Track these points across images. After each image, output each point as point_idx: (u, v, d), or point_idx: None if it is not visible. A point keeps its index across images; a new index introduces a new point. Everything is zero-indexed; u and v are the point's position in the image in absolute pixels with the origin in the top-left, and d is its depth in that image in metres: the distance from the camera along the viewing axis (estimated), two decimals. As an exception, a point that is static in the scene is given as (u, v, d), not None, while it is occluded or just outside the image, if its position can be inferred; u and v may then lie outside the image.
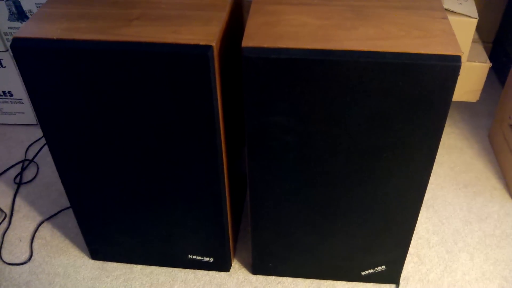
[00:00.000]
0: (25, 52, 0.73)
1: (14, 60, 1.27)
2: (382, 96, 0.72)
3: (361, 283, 1.01)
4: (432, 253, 1.08)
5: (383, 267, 0.97)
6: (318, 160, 0.81)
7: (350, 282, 1.01)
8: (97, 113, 0.79)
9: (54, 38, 0.73)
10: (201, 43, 0.71)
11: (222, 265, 1.02)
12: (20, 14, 1.20)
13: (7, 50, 1.27)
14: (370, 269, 0.98)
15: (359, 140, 0.77)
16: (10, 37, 1.22)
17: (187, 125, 0.78)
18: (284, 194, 0.87)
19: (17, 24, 1.22)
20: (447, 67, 0.69)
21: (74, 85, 0.76)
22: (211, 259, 1.00)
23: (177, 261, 1.03)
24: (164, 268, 1.04)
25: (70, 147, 0.85)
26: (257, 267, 1.02)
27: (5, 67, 1.30)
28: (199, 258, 1.00)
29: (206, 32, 0.73)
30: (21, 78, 1.32)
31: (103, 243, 1.02)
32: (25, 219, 1.17)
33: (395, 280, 1.00)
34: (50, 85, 0.76)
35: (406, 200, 0.85)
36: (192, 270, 1.04)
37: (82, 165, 0.87)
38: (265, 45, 0.70)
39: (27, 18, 1.20)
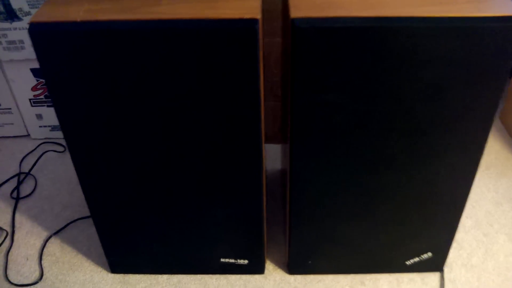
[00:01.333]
0: (45, 37, 0.65)
1: (0, 69, 1.18)
2: (440, 65, 0.67)
3: (405, 274, 0.96)
4: (469, 237, 1.04)
5: (429, 254, 0.92)
6: (368, 142, 0.75)
7: (394, 274, 0.96)
8: (124, 102, 0.71)
9: (78, 20, 0.65)
10: (246, 16, 0.65)
11: (257, 267, 0.95)
12: (9, 13, 1.10)
13: (-5, 55, 1.17)
14: (415, 257, 0.93)
15: (414, 117, 0.72)
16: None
17: (227, 110, 0.71)
18: (328, 183, 0.80)
19: (6, 24, 1.11)
20: (507, 28, 0.65)
21: (102, 73, 0.68)
22: (246, 261, 0.93)
23: (207, 267, 0.95)
24: (193, 275, 0.96)
25: (92, 145, 0.76)
26: (295, 266, 0.95)
27: (-8, 73, 1.20)
28: (233, 261, 0.93)
29: (246, 6, 0.67)
30: (9, 85, 1.22)
31: (124, 254, 0.93)
32: (29, 235, 1.06)
33: (440, 267, 0.96)
34: (74, 75, 0.68)
35: (458, 178, 0.80)
36: (224, 275, 0.96)
37: (104, 164, 0.79)
38: (316, 15, 0.65)
39: (18, 18, 1.10)
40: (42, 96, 1.23)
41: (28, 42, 1.12)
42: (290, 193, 0.83)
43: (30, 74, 1.18)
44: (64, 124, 0.74)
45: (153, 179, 0.80)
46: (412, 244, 0.91)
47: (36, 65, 1.16)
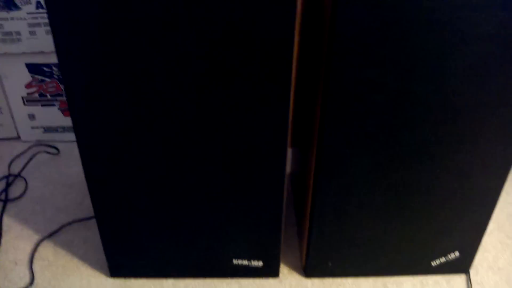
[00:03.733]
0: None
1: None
2: (487, 42, 0.62)
3: (430, 276, 0.89)
4: (493, 239, 0.98)
5: (457, 253, 0.86)
6: (403, 127, 0.70)
7: (418, 276, 0.89)
8: (138, 76, 0.65)
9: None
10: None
11: (271, 270, 0.87)
12: (7, 1, 1.04)
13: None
14: (441, 257, 0.87)
15: (454, 99, 0.67)
16: (-5, 30, 1.05)
17: (254, 91, 0.66)
18: (357, 175, 0.75)
19: (2, 14, 1.05)
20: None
21: (120, 42, 0.62)
22: (260, 263, 0.85)
23: (218, 269, 0.86)
24: (201, 280, 0.88)
25: (101, 131, 0.69)
26: (312, 269, 0.88)
27: (-17, 68, 1.12)
28: (246, 263, 0.85)
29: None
30: (1, 82, 1.15)
31: (127, 255, 0.84)
32: (19, 239, 0.96)
33: (466, 269, 0.89)
34: (88, 44, 0.62)
35: (492, 172, 0.75)
36: (236, 279, 0.88)
37: (112, 156, 0.72)
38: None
39: (17, 7, 1.04)
40: (36, 94, 1.16)
41: (25, 34, 1.06)
42: (314, 188, 0.77)
43: (25, 70, 1.12)
44: (75, 114, 0.67)
45: (164, 172, 0.73)
46: (439, 243, 0.85)
47: (32, 59, 1.10)
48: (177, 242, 0.82)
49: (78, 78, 0.64)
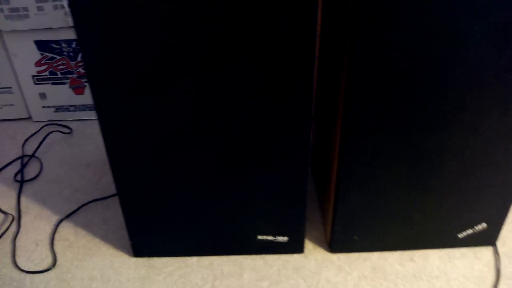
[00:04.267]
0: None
1: (0, 42, 1.07)
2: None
3: (456, 249, 0.88)
4: (518, 210, 0.97)
5: (484, 224, 0.85)
6: (429, 94, 0.67)
7: (444, 249, 0.88)
8: (160, 54, 0.62)
9: None
10: None
11: (296, 246, 0.86)
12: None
13: (-5, 24, 1.07)
14: (468, 229, 0.85)
15: (485, 64, 0.65)
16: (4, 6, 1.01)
17: (280, 58, 0.63)
18: (383, 144, 0.73)
19: (8, -10, 1.01)
20: None
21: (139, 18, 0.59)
22: (285, 238, 0.84)
23: (242, 246, 0.85)
24: (225, 257, 0.87)
25: (123, 108, 0.67)
26: (338, 244, 0.86)
27: (-9, 46, 1.09)
28: (271, 238, 0.84)
29: None
30: (10, 60, 1.12)
31: (150, 235, 0.83)
32: (38, 220, 0.95)
33: (493, 241, 0.88)
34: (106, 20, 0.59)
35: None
36: (260, 255, 0.87)
37: (134, 129, 0.69)
38: None
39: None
40: (46, 73, 1.13)
41: (33, 10, 1.02)
42: (340, 160, 0.75)
43: (34, 47, 1.08)
44: (95, 87, 0.65)
45: (187, 145, 0.71)
46: (466, 214, 0.83)
47: (41, 36, 1.06)
48: (201, 219, 0.81)
49: (97, 50, 0.62)
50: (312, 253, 0.88)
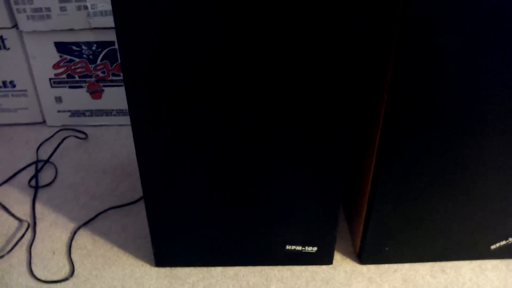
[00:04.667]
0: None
1: (20, 43, 1.05)
2: None
3: (487, 261, 0.85)
4: (549, 223, 0.94)
5: (519, 237, 0.82)
6: (473, 99, 0.65)
7: (475, 261, 0.85)
8: (200, 63, 0.60)
9: None
10: None
11: (325, 257, 0.83)
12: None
13: (14, 27, 1.04)
14: (502, 240, 0.82)
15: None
16: (22, 7, 0.99)
17: (324, 67, 0.61)
18: (420, 154, 0.70)
19: (29, -8, 0.99)
20: None
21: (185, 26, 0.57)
22: (314, 249, 0.81)
23: (269, 257, 0.82)
24: (251, 267, 0.83)
25: (156, 112, 0.65)
26: (368, 255, 0.83)
27: (9, 49, 1.07)
28: (300, 248, 0.81)
29: None
30: (28, 62, 1.09)
31: (174, 244, 0.80)
32: (54, 227, 0.92)
33: (527, 254, 0.86)
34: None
35: None
36: (288, 266, 0.84)
37: (166, 135, 0.67)
38: None
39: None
40: (64, 76, 1.10)
41: (56, 10, 0.99)
42: (376, 170, 0.72)
43: (54, 49, 1.06)
44: (131, 91, 0.62)
45: (218, 154, 0.69)
46: (501, 225, 0.80)
47: (61, 38, 1.04)
48: (228, 227, 0.78)
49: (137, 51, 0.59)
50: (341, 265, 0.85)
